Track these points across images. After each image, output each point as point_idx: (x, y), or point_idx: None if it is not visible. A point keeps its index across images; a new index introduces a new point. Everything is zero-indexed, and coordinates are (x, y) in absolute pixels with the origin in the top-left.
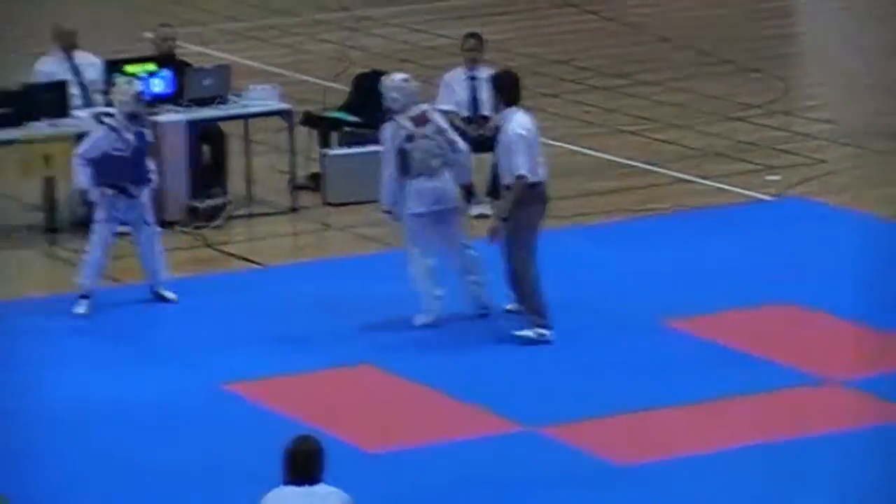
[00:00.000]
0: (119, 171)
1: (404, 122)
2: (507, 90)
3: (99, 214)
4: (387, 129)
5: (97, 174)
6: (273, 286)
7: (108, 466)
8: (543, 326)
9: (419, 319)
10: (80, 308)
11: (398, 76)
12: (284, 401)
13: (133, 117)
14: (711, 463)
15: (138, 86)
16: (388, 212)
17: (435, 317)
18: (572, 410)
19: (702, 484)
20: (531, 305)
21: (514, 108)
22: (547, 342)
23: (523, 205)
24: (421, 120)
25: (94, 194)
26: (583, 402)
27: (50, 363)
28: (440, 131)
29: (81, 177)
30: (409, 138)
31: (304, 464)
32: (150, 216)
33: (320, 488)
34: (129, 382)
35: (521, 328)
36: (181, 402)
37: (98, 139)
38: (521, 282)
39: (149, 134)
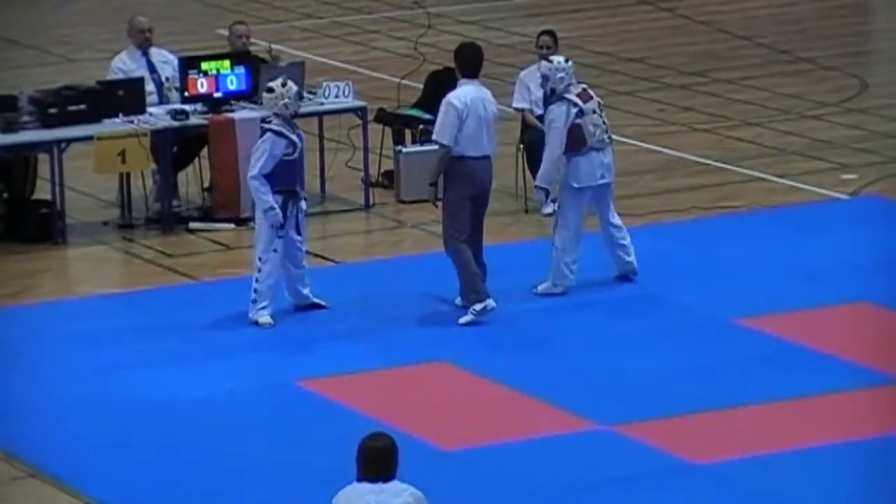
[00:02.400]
0: (291, 176)
1: (574, 98)
2: (461, 61)
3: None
4: (559, 108)
5: (270, 182)
6: (347, 283)
7: (183, 463)
8: (478, 301)
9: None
10: (265, 317)
11: (558, 58)
12: (359, 398)
13: (293, 117)
14: (785, 462)
15: (294, 85)
16: (545, 189)
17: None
18: (646, 409)
19: (776, 482)
20: (465, 284)
21: (466, 80)
22: (487, 312)
23: (453, 181)
24: (585, 96)
25: (280, 215)
26: (656, 400)
27: (124, 361)
28: (601, 106)
29: (265, 197)
30: (581, 113)
31: (377, 461)
32: (302, 223)
33: (393, 485)
34: (205, 380)
35: (464, 315)
36: (257, 400)
37: (270, 149)
38: (454, 260)
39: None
